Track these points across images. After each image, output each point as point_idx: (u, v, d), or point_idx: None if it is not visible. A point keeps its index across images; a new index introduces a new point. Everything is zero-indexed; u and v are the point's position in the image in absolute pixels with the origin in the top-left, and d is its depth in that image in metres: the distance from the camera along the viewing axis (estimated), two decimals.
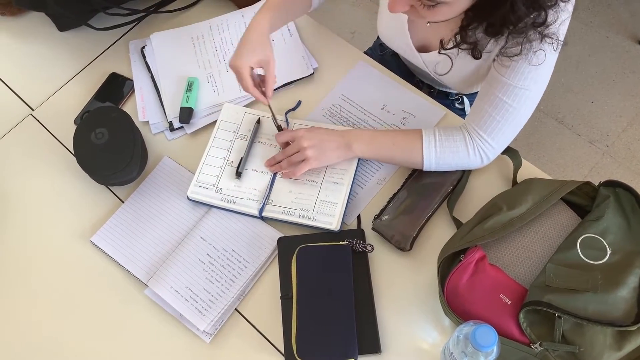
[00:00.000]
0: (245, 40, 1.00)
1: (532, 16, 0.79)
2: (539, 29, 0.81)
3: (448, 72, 1.08)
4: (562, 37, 0.86)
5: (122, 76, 1.23)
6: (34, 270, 1.04)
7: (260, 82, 1.04)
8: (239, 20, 1.26)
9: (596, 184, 0.97)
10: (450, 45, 0.94)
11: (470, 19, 0.84)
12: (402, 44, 1.11)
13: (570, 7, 0.86)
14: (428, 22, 1.00)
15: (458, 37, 0.88)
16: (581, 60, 2.21)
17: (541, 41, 0.84)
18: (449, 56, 1.04)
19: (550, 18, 0.80)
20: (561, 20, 0.83)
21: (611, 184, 0.95)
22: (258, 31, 1.01)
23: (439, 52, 1.03)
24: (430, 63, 1.11)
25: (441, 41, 1.01)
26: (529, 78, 0.90)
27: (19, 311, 1.01)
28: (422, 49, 1.10)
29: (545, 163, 2.03)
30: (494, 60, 0.94)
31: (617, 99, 2.13)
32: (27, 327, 1.00)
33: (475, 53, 0.89)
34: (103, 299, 1.01)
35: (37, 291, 1.03)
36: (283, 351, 0.94)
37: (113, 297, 1.01)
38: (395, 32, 1.11)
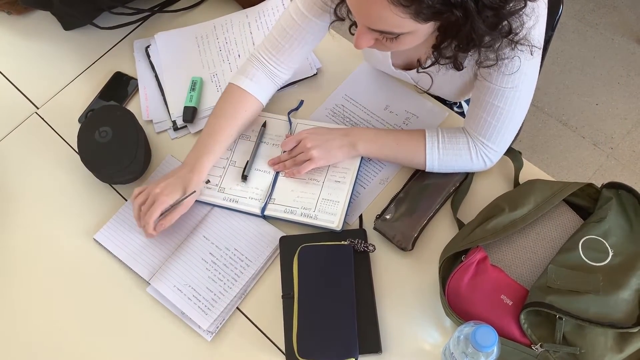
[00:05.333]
0: (189, 180, 1.00)
1: (494, 33, 0.79)
2: (508, 37, 0.81)
3: (429, 88, 1.09)
4: (537, 41, 0.86)
5: (127, 75, 1.24)
6: (37, 268, 1.05)
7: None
8: (243, 20, 1.27)
9: (599, 186, 0.96)
10: (429, 63, 0.94)
11: (439, 39, 0.85)
12: (384, 66, 1.12)
13: (541, 10, 0.86)
14: None
15: (435, 54, 0.89)
16: (586, 62, 2.21)
17: (513, 48, 0.84)
18: (428, 74, 1.04)
19: (514, 25, 0.80)
20: (530, 25, 0.83)
21: (614, 186, 0.95)
22: (198, 177, 1.01)
23: (417, 72, 1.04)
24: (415, 79, 1.12)
25: (418, 60, 1.02)
26: (514, 80, 0.90)
27: (21, 308, 1.02)
28: (408, 66, 1.10)
29: (549, 165, 2.02)
30: (478, 67, 0.94)
31: (622, 101, 2.13)
32: (29, 324, 1.01)
33: (457, 65, 0.89)
34: (105, 296, 1.02)
35: (40, 288, 1.03)
36: (284, 350, 0.95)
37: (115, 295, 1.02)
38: (378, 57, 1.11)
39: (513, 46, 0.83)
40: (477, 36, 0.78)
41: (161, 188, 0.99)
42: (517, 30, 0.81)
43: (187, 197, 1.00)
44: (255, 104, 1.08)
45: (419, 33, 0.80)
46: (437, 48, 0.86)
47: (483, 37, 0.79)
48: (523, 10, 0.79)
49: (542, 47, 0.88)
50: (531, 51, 0.85)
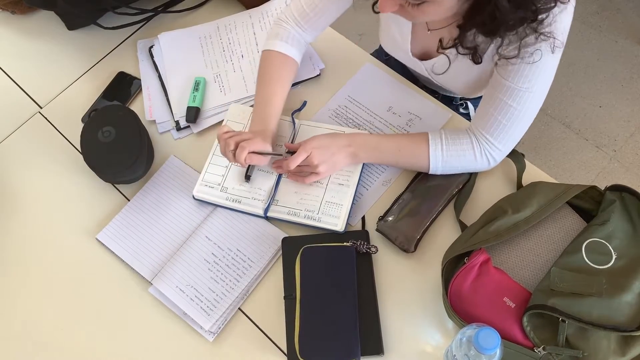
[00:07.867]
0: (269, 133, 1.05)
1: (519, 13, 0.80)
2: (531, 25, 0.82)
3: (445, 72, 1.10)
4: (560, 36, 0.86)
5: (130, 75, 1.24)
6: (40, 267, 1.05)
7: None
8: (246, 20, 1.27)
9: (602, 189, 0.96)
10: (450, 44, 0.96)
11: (463, 19, 0.86)
12: (402, 52, 1.13)
13: (569, 6, 0.86)
14: (426, 24, 1.05)
15: (459, 36, 0.90)
16: (589, 64, 2.20)
17: (536, 39, 0.85)
18: (447, 56, 1.05)
19: (540, 14, 0.81)
20: (554, 17, 0.83)
21: (617, 189, 0.95)
22: (270, 131, 1.05)
23: (437, 51, 1.05)
24: (430, 69, 1.12)
25: (440, 40, 1.03)
26: (532, 80, 0.91)
27: (23, 308, 1.02)
28: (424, 56, 1.12)
29: (552, 167, 2.02)
30: (496, 64, 0.95)
31: (625, 104, 2.12)
32: (31, 323, 1.01)
33: (476, 58, 0.91)
34: (107, 296, 1.02)
35: (42, 288, 1.03)
36: (286, 351, 0.95)
37: (117, 295, 1.02)
38: (397, 41, 1.12)
39: (537, 36, 0.84)
40: (501, 15, 0.79)
41: (250, 137, 1.01)
42: (542, 19, 0.82)
43: (276, 153, 1.04)
44: (295, 65, 1.13)
45: (443, 4, 0.81)
46: (461, 31, 0.87)
47: (506, 16, 0.80)
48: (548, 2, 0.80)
49: (564, 44, 0.88)
50: (553, 46, 0.86)
